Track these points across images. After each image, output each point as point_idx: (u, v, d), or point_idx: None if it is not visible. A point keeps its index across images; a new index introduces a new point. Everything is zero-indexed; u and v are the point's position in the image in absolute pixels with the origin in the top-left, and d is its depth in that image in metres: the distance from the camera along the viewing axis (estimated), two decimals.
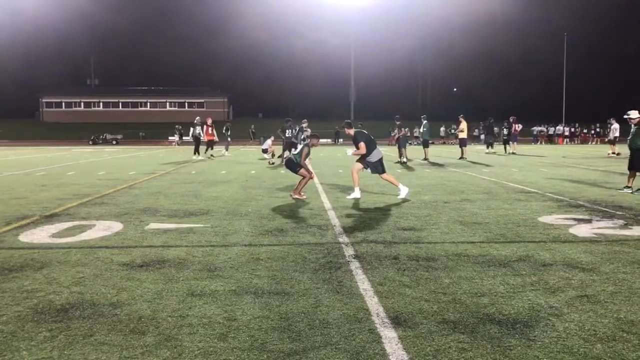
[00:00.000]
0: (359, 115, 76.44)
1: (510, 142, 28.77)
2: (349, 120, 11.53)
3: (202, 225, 7.46)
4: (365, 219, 8.02)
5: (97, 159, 25.40)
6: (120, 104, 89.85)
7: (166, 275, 4.93)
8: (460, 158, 23.01)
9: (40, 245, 6.19)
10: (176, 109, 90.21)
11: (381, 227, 7.34)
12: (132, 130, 67.98)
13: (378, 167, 10.53)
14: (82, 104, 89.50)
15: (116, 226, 7.38)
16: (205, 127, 25.11)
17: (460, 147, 24.21)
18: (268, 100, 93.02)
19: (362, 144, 10.32)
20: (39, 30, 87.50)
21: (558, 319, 3.82)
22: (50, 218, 8.09)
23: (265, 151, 23.79)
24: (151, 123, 79.28)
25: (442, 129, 54.26)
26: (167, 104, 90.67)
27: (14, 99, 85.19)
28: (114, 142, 56.28)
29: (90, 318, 3.84)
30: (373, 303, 4.17)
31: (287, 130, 21.58)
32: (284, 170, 17.14)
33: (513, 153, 27.60)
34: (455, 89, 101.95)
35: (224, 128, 30.00)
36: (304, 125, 21.79)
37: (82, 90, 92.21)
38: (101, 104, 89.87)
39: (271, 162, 21.13)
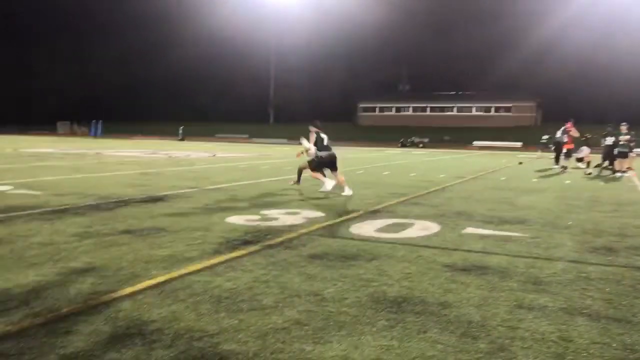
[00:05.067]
0: None
1: None
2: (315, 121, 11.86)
3: (520, 235, 7.19)
4: None
5: (407, 161, 26.75)
6: (428, 108, 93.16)
7: (490, 283, 4.87)
8: None
9: (368, 238, 6.73)
10: (482, 113, 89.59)
11: None
12: (438, 135, 69.79)
13: (317, 163, 11.51)
14: (393, 108, 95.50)
15: (434, 227, 7.61)
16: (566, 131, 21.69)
17: None
18: (580, 104, 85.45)
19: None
20: (357, 41, 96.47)
21: None
22: (373, 214, 8.76)
23: (580, 160, 21.95)
24: (457, 128, 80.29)
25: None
26: (473, 108, 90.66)
27: (336, 105, 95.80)
28: (420, 145, 58.60)
29: (422, 314, 3.99)
30: None
31: (607, 137, 19.64)
32: (603, 182, 15.60)
33: None
34: None
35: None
36: (623, 128, 19.45)
37: (394, 96, 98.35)
38: (410, 108, 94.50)
39: (587, 173, 19.39)
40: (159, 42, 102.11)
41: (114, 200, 9.64)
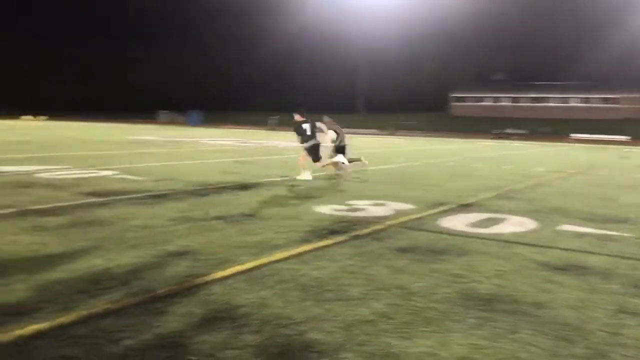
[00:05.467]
0: None
1: None
2: (299, 104, 11.71)
3: (622, 234, 6.75)
4: None
5: (501, 153, 25.84)
6: (525, 99, 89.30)
7: (589, 284, 4.60)
8: None
9: (458, 233, 6.56)
10: (580, 104, 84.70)
11: None
12: (535, 126, 66.89)
13: (312, 155, 11.85)
14: (487, 98, 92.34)
15: (529, 223, 7.29)
16: None
17: None
18: None
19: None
20: (451, 30, 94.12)
21: None
22: (464, 207, 8.53)
23: None
24: (554, 119, 76.55)
25: None
26: (574, 99, 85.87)
27: (428, 94, 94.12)
28: (515, 137, 56.41)
29: (514, 314, 3.84)
30: None
31: None
32: None
33: None
34: None
35: None
36: None
37: (488, 86, 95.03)
38: (506, 99, 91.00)
39: None
40: (252, 36, 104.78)
41: (208, 186, 10.00)
